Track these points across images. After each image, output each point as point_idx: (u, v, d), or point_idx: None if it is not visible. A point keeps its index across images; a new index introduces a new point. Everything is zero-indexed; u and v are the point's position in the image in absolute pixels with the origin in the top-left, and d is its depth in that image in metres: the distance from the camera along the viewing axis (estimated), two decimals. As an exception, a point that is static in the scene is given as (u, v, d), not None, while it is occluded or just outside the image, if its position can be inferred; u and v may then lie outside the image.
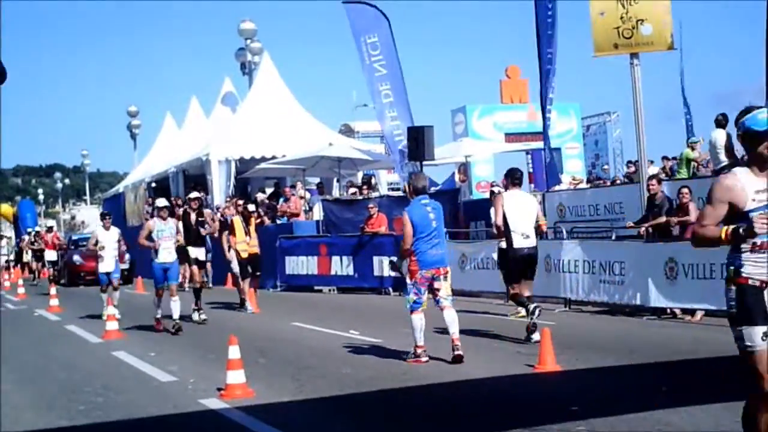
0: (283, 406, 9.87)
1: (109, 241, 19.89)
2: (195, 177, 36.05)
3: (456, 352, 11.95)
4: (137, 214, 40.10)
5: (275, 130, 33.39)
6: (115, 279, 20.07)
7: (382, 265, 22.62)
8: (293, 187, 31.10)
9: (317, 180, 33.63)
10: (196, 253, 19.32)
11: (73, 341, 16.98)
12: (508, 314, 17.06)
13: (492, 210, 14.31)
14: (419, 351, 12.15)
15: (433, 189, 29.74)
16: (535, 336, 13.09)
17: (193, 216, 19.33)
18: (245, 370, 10.47)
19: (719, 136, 19.06)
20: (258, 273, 21.41)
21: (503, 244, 14.56)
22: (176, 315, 16.69)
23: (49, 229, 39.07)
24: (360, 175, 33.17)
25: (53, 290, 24.68)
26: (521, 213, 13.65)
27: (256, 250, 21.12)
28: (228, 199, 30.06)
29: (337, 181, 33.97)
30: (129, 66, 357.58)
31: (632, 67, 17.56)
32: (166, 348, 14.69)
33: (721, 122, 19.12)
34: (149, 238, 17.11)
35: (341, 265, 25.26)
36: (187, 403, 10.22)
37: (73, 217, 66.65)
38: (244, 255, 20.82)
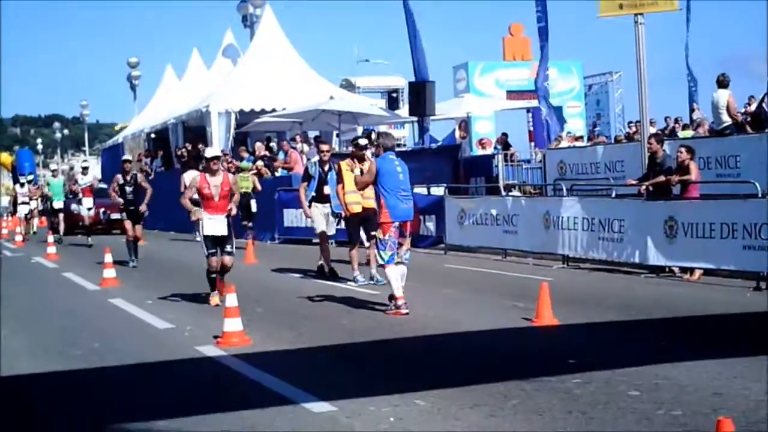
0: (280, 354, 9.87)
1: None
2: (195, 129, 35.93)
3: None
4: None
5: (276, 83, 33.23)
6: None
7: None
8: (293, 140, 30.94)
9: (316, 134, 33.50)
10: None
11: (70, 288, 16.97)
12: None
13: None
14: (399, 302, 12.13)
15: (433, 145, 29.69)
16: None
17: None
18: (243, 318, 10.46)
19: (721, 96, 18.94)
20: (373, 233, 13.52)
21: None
22: None
23: (84, 169, 29.26)
24: (360, 130, 33.03)
25: (51, 238, 24.63)
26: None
27: (373, 204, 14.16)
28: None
29: (337, 135, 33.82)
30: (130, 17, 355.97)
31: (636, 26, 17.38)
32: (163, 297, 14.65)
33: (722, 82, 18.98)
34: None
35: (340, 219, 25.03)
36: (184, 350, 10.21)
37: (71, 168, 66.11)
38: (357, 209, 15.70)
